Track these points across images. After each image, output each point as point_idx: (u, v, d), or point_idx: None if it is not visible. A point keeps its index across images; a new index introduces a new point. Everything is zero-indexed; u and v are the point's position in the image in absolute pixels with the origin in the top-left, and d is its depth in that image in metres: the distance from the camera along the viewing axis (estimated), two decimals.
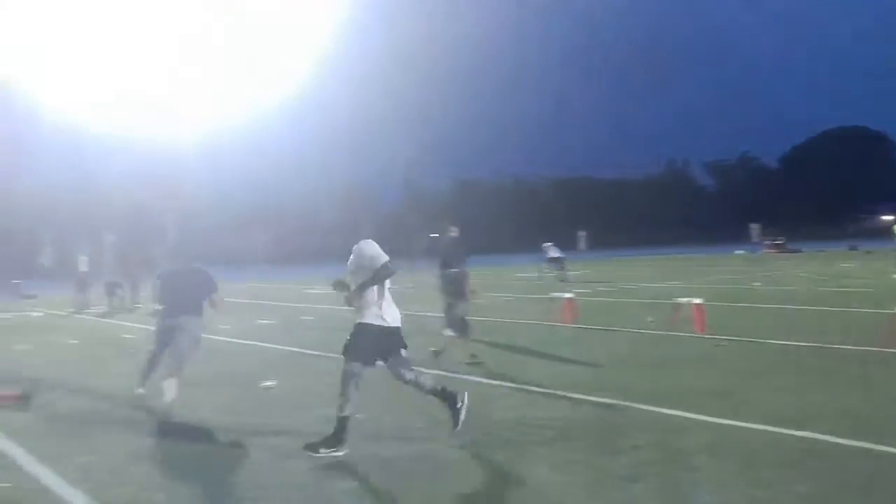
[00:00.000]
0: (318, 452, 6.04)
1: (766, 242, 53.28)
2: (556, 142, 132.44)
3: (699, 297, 13.32)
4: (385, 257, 6.34)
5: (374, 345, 6.39)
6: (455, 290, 11.07)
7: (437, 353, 10.64)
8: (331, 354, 11.31)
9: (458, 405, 6.64)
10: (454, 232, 11.90)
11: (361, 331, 6.40)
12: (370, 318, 6.38)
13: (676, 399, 7.61)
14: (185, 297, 8.20)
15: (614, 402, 7.65)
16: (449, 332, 10.90)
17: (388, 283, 6.42)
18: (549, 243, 37.13)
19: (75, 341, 14.75)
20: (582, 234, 70.94)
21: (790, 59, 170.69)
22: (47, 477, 5.87)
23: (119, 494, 5.42)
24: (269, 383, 9.16)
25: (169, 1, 39.41)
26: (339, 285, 6.71)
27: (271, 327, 15.74)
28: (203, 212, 58.92)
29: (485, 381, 9.06)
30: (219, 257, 53.60)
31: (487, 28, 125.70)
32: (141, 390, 8.38)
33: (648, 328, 13.35)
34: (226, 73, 47.71)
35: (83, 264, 22.32)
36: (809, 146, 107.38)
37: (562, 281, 27.85)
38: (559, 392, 8.21)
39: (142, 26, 40.57)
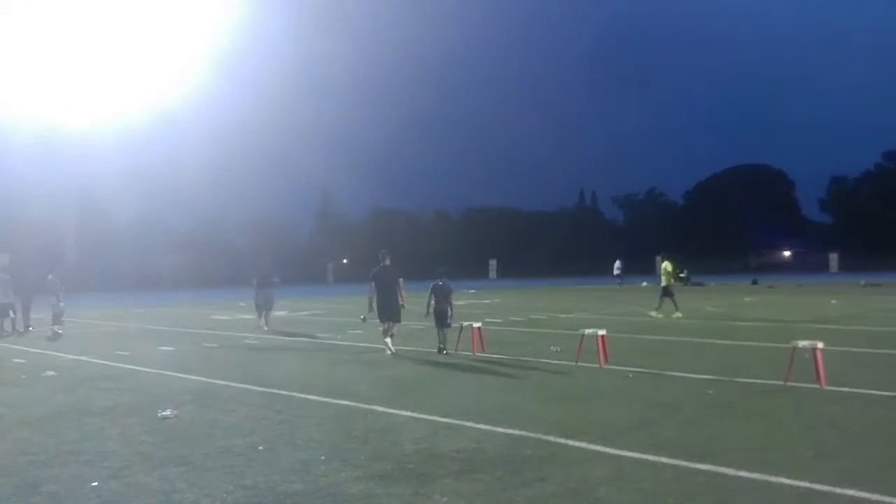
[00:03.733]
0: None
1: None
2: (474, 173, 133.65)
3: (605, 328, 13.50)
4: None
5: None
6: (389, 312, 14.36)
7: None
8: (232, 384, 11.06)
9: None
10: (387, 261, 14.84)
11: None
12: None
13: (582, 431, 7.65)
14: None
15: (521, 433, 7.64)
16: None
17: None
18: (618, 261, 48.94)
19: None
20: (492, 262, 71.61)
21: (697, 98, 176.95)
22: None
23: None
24: (167, 412, 8.85)
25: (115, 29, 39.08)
26: None
27: (173, 354, 15.25)
28: (115, 233, 57.17)
29: (390, 410, 8.94)
30: (126, 280, 52.17)
31: (408, 59, 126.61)
32: None
33: (554, 358, 13.45)
34: (144, 93, 46.95)
35: None
36: (713, 182, 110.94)
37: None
38: (466, 423, 8.16)
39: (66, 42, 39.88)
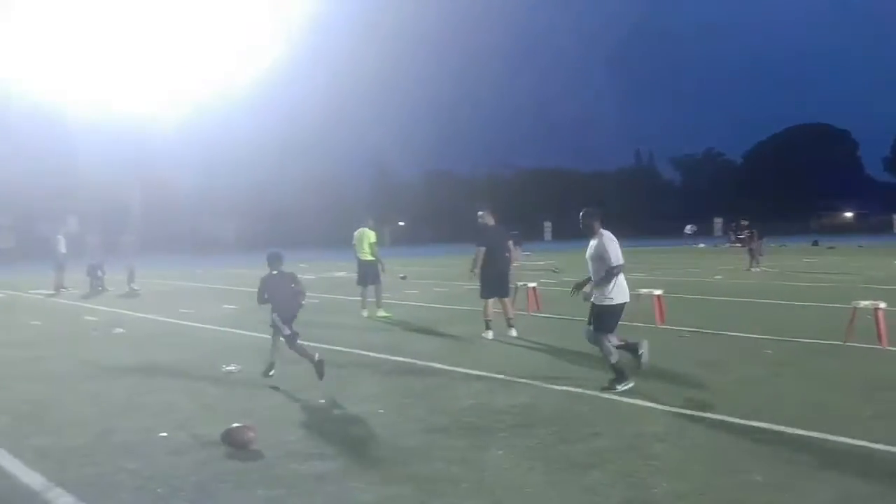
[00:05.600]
0: (616, 388, 7.55)
1: (730, 236, 53.71)
2: (529, 134, 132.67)
3: (661, 288, 13.45)
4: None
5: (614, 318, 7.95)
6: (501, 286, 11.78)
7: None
8: None
9: (640, 351, 8.02)
10: (493, 221, 11.78)
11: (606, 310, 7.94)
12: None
13: (638, 389, 7.67)
14: None
15: (575, 390, 7.72)
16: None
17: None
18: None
19: (37, 322, 14.57)
20: (547, 224, 71.27)
21: (757, 56, 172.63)
22: (3, 458, 5.81)
23: (79, 476, 5.37)
24: (231, 367, 9.12)
25: None
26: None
27: (235, 312, 15.62)
28: (178, 198, 58.57)
29: (448, 368, 9.08)
30: (194, 243, 53.39)
31: (466, 18, 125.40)
32: None
33: None
34: (202, 59, 47.68)
35: (62, 245, 21.74)
36: (773, 142, 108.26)
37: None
38: (521, 380, 8.26)
39: (120, 13, 40.80)
